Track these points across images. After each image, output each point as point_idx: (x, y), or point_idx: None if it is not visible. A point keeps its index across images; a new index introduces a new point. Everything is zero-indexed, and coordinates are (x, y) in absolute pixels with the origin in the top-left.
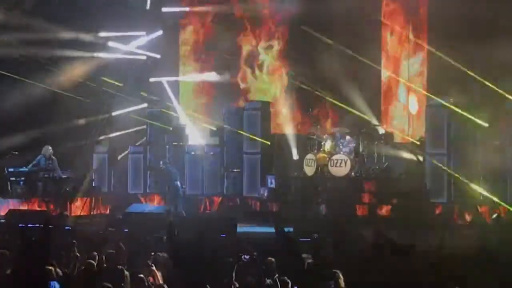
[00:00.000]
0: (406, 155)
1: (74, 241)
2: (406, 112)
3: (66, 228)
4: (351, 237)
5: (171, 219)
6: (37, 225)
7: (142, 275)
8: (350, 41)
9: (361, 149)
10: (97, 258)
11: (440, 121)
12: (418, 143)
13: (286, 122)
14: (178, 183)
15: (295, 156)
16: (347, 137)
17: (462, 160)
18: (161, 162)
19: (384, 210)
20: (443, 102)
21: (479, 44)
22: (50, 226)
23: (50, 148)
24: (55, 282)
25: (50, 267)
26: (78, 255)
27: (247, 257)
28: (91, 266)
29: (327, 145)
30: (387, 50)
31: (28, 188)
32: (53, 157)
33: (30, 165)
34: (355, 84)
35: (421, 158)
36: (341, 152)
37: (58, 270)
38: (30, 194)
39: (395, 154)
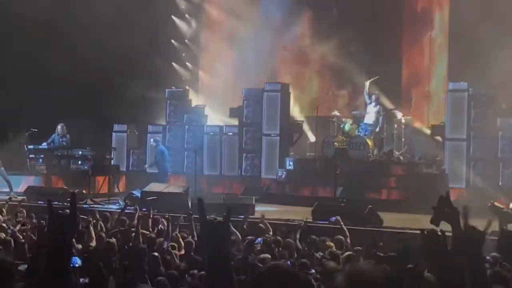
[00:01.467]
0: (425, 139)
1: (92, 219)
2: (426, 97)
3: (85, 206)
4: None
5: (199, 198)
6: (55, 202)
7: (156, 254)
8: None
9: (379, 131)
10: (117, 236)
11: (460, 106)
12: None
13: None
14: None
15: (313, 138)
16: (373, 96)
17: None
18: (151, 140)
19: (402, 194)
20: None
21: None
22: (74, 203)
23: (63, 125)
24: (77, 258)
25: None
26: (100, 233)
27: (259, 239)
28: (111, 245)
29: (346, 127)
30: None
31: (47, 165)
32: (67, 135)
33: (44, 143)
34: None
35: (440, 143)
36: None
37: (78, 245)
38: (49, 171)
39: (413, 138)
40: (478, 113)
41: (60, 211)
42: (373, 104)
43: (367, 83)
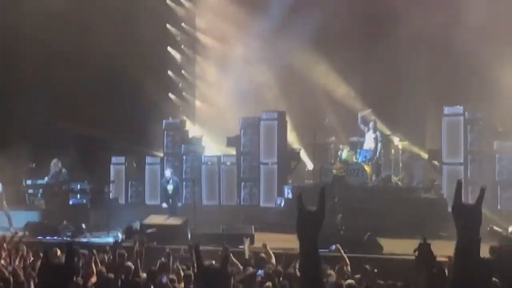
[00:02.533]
0: (423, 164)
1: (91, 252)
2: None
3: (84, 240)
4: None
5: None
6: (54, 237)
7: None
8: None
9: (377, 157)
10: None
11: (456, 130)
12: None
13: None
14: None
15: (311, 165)
16: (371, 123)
17: (479, 169)
18: (169, 172)
19: (401, 220)
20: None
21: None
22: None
23: (57, 161)
24: None
25: None
26: (100, 268)
27: (260, 272)
28: (108, 279)
29: (344, 154)
30: None
31: (46, 200)
32: (63, 170)
33: (46, 177)
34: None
35: (438, 167)
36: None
37: (79, 280)
38: (48, 206)
39: (411, 163)
40: (475, 137)
41: (54, 263)
42: (371, 131)
43: (360, 115)
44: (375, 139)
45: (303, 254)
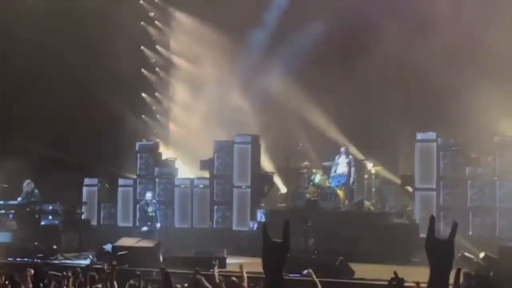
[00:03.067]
0: (395, 189)
1: (65, 273)
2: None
3: (56, 261)
4: None
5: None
6: (25, 259)
7: None
8: None
9: (350, 183)
10: None
11: (429, 156)
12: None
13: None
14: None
15: (284, 189)
16: (350, 157)
17: (451, 195)
18: (149, 195)
19: (373, 245)
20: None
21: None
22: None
23: (29, 182)
24: None
25: None
26: None
27: None
28: None
29: (317, 178)
30: None
31: (17, 221)
32: (36, 190)
33: (19, 198)
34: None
35: (410, 193)
36: (334, 174)
37: None
38: (19, 227)
39: (384, 188)
40: (447, 163)
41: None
42: (344, 156)
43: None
44: (348, 163)
45: (268, 283)
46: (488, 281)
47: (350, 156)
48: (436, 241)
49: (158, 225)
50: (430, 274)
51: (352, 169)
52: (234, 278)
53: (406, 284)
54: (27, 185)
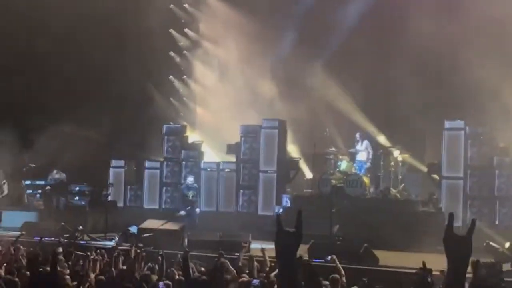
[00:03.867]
0: (422, 177)
1: (88, 253)
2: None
3: (82, 242)
4: None
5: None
6: (52, 238)
7: None
8: None
9: (369, 166)
10: (110, 274)
11: (457, 145)
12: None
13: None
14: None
15: (310, 175)
16: (365, 141)
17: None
18: (191, 179)
19: (398, 232)
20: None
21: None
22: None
23: (58, 171)
24: None
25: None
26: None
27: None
28: (101, 283)
29: (343, 165)
30: None
31: (44, 201)
32: (63, 174)
33: (48, 179)
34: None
35: (437, 181)
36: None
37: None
38: (46, 207)
39: (410, 176)
40: (475, 152)
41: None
42: (360, 142)
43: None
44: (365, 149)
45: (280, 268)
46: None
47: (366, 141)
48: (454, 237)
49: (198, 210)
50: (447, 270)
51: (371, 152)
52: (256, 263)
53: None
54: (57, 173)
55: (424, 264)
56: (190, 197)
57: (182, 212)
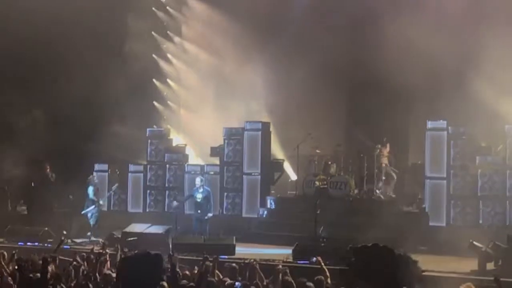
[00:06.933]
0: (405, 178)
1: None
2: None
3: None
4: None
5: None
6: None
7: None
8: None
9: (362, 171)
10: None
11: (439, 145)
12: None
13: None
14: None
15: (294, 176)
16: None
17: (461, 184)
18: (199, 180)
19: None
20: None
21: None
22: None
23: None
24: None
25: None
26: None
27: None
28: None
29: (332, 168)
30: None
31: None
32: (53, 175)
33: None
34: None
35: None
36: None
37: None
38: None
39: (395, 176)
40: (458, 152)
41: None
42: None
43: None
44: None
45: None
46: None
47: None
48: None
49: (210, 214)
50: None
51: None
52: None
53: None
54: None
55: None
56: (198, 199)
57: (175, 203)
